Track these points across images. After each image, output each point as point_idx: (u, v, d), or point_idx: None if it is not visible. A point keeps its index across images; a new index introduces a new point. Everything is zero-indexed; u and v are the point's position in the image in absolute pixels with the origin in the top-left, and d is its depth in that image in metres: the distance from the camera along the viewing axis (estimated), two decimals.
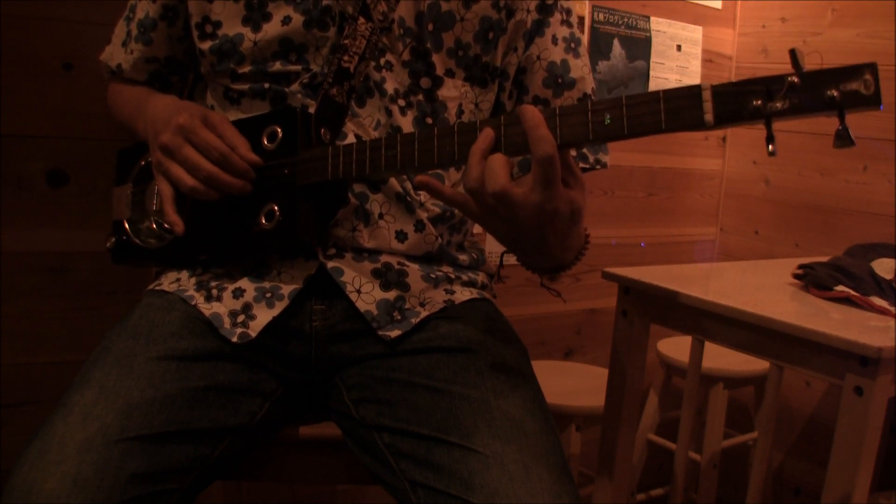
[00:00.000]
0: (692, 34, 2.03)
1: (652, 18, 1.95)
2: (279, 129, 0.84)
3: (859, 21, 1.83)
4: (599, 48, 1.86)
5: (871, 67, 0.60)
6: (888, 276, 1.14)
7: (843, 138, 0.62)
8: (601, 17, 1.86)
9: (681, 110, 0.64)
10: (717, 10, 2.09)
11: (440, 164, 0.75)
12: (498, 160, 0.67)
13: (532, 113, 0.66)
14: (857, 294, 1.10)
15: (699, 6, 2.05)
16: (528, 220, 0.68)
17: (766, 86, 0.62)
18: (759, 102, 0.62)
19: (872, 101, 0.60)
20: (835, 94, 0.60)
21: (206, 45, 0.91)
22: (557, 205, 0.67)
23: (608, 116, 0.66)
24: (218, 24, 0.90)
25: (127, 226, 0.97)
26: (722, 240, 2.22)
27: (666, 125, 0.65)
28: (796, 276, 1.23)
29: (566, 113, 0.68)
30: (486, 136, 0.69)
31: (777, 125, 0.64)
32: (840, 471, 0.94)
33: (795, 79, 0.61)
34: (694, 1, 2.03)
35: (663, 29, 1.97)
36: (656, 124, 0.65)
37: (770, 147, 0.64)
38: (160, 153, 0.85)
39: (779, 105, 0.62)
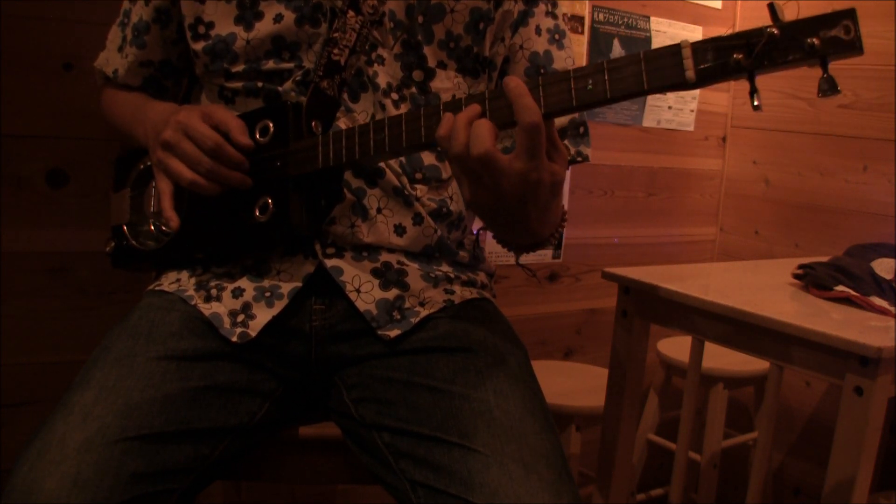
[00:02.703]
0: (692, 34, 2.03)
1: (652, 18, 1.95)
2: (270, 123, 0.84)
3: (859, 21, 1.83)
4: (599, 48, 1.86)
5: (850, 13, 0.60)
6: (888, 276, 1.14)
7: (828, 86, 0.61)
8: (601, 17, 1.86)
9: (662, 69, 0.64)
10: (717, 10, 2.09)
11: (427, 144, 0.75)
12: (483, 125, 0.67)
13: (516, 83, 0.67)
14: (857, 294, 1.11)
15: (699, 6, 2.05)
16: (510, 189, 0.68)
17: (746, 39, 0.62)
18: (741, 56, 0.62)
19: (853, 46, 0.59)
20: (815, 42, 0.60)
21: (199, 46, 0.91)
22: (541, 174, 0.68)
23: (590, 82, 0.66)
24: (210, 25, 0.90)
25: (126, 230, 0.97)
26: (722, 240, 2.22)
27: (648, 85, 0.65)
28: (796, 276, 1.23)
29: (549, 82, 0.68)
30: (472, 108, 0.69)
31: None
32: (840, 471, 0.94)
33: (775, 30, 0.61)
34: (694, 1, 2.03)
35: (663, 29, 1.97)
36: (638, 85, 0.65)
37: (755, 102, 0.64)
38: (161, 150, 0.85)
39: (760, 57, 0.61)
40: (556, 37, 0.98)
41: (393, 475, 0.79)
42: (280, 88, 0.89)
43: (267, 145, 0.84)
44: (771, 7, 0.61)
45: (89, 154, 1.26)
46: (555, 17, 0.98)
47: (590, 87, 0.66)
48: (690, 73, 0.63)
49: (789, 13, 0.62)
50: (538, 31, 0.96)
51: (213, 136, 0.82)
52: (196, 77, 0.97)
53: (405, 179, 0.90)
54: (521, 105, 0.66)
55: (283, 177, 0.83)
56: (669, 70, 0.64)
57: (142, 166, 0.98)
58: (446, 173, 0.94)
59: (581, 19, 1.83)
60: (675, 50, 0.63)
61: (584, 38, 1.84)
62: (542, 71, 0.96)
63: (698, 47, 0.63)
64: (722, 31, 2.09)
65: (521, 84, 0.67)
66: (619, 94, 0.66)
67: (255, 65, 0.89)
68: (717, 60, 0.62)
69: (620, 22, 1.89)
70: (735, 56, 0.62)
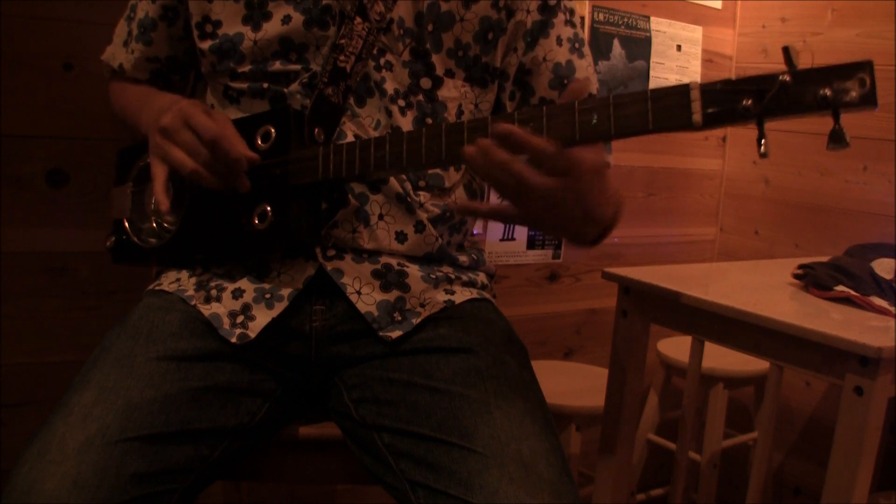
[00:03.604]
0: (692, 34, 2.03)
1: (652, 18, 1.95)
2: (272, 129, 0.84)
3: (859, 21, 1.83)
4: (599, 48, 1.86)
5: (867, 65, 0.58)
6: (888, 276, 1.14)
7: (837, 139, 0.59)
8: (601, 17, 1.86)
9: (668, 110, 0.63)
10: (717, 10, 2.09)
11: (427, 164, 0.75)
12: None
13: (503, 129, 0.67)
14: (857, 294, 1.10)
15: (699, 6, 2.05)
16: (596, 184, 0.69)
17: (757, 85, 0.60)
18: (750, 102, 0.60)
19: (867, 100, 0.58)
20: (828, 93, 0.58)
21: (206, 45, 0.91)
22: (600, 154, 0.68)
23: (595, 116, 0.65)
24: (218, 24, 0.90)
25: (127, 225, 0.97)
26: (722, 240, 2.22)
27: (654, 125, 0.63)
28: (796, 276, 1.23)
29: (554, 114, 0.67)
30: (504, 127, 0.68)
31: (776, 124, 0.62)
32: (840, 471, 0.94)
33: (787, 77, 0.59)
34: (694, 1, 2.03)
35: (663, 29, 1.97)
36: (643, 125, 0.64)
37: (762, 148, 0.62)
38: (158, 135, 0.84)
39: (770, 105, 0.60)
40: (577, 45, 0.98)
41: (393, 476, 0.79)
42: (286, 90, 0.88)
43: (268, 151, 0.83)
44: (785, 51, 0.59)
45: (89, 154, 1.26)
46: (573, 25, 0.98)
47: (594, 121, 0.65)
48: (697, 117, 0.62)
49: (803, 56, 0.60)
50: (559, 41, 0.96)
51: (213, 128, 0.81)
52: (201, 74, 0.97)
53: (409, 186, 0.90)
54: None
55: (283, 185, 0.82)
56: (676, 112, 0.62)
57: (142, 163, 0.98)
58: (449, 182, 0.94)
59: (581, 19, 1.83)
60: (683, 91, 0.62)
61: (584, 39, 1.84)
62: (565, 81, 0.96)
63: (707, 90, 0.61)
64: (722, 30, 2.10)
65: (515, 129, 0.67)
66: (623, 131, 0.65)
67: (262, 65, 0.89)
68: (726, 105, 0.61)
69: (620, 22, 1.89)
70: (745, 102, 0.60)
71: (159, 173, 0.84)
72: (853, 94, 0.57)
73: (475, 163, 0.68)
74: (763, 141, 0.62)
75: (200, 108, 0.83)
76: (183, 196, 0.89)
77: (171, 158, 0.83)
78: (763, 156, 0.62)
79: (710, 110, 0.61)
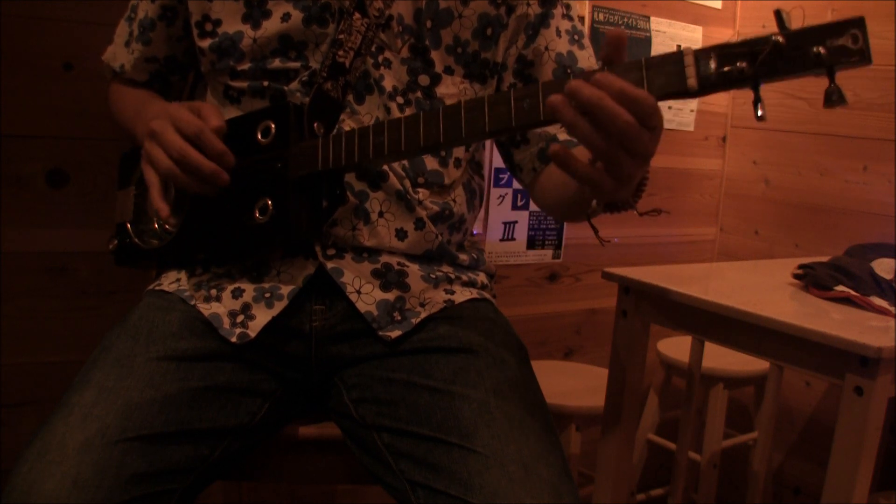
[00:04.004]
0: (692, 34, 2.03)
1: (652, 18, 1.95)
2: (272, 124, 0.84)
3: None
4: (599, 48, 1.86)
5: (859, 21, 0.57)
6: (888, 276, 1.14)
7: (834, 97, 0.59)
8: (601, 17, 1.86)
9: (664, 76, 0.63)
10: (717, 10, 2.09)
11: (426, 149, 0.75)
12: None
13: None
14: (857, 294, 1.10)
15: (699, 6, 2.05)
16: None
17: (751, 47, 0.60)
18: (745, 65, 0.60)
19: (861, 55, 0.57)
20: (822, 51, 0.58)
21: (205, 44, 0.91)
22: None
23: None
24: (218, 22, 0.90)
25: (130, 228, 0.97)
26: (722, 240, 2.22)
27: (649, 92, 0.63)
28: (796, 276, 1.23)
29: (550, 88, 0.66)
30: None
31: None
32: (840, 471, 0.94)
33: (780, 38, 0.59)
34: (694, 1, 2.03)
35: (663, 29, 1.97)
36: None
37: (759, 112, 0.62)
38: (147, 140, 0.84)
39: (764, 66, 0.59)
40: (576, 37, 0.98)
41: (393, 476, 0.79)
42: (286, 88, 0.88)
43: (268, 146, 0.84)
44: (777, 14, 0.59)
45: (89, 154, 1.26)
46: (570, 18, 0.99)
47: None
48: (692, 81, 0.61)
49: (795, 21, 0.60)
50: (558, 32, 0.97)
51: (195, 122, 0.80)
52: (202, 73, 0.97)
53: (408, 183, 0.90)
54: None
55: (284, 178, 0.82)
56: (671, 77, 0.62)
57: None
58: (448, 179, 0.94)
59: (581, 19, 1.83)
60: (677, 57, 0.62)
61: (584, 31, 1.84)
62: (568, 71, 0.96)
63: (701, 55, 0.61)
64: (722, 30, 2.10)
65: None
66: None
67: (262, 63, 0.89)
68: (720, 69, 0.61)
69: (620, 22, 1.89)
70: (739, 64, 0.60)
71: (152, 179, 0.85)
72: (847, 50, 0.57)
73: (563, 111, 0.63)
74: (760, 104, 0.62)
75: (186, 107, 0.83)
76: (184, 197, 0.89)
77: (151, 158, 0.83)
78: (760, 119, 0.62)
79: (704, 74, 0.61)
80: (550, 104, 0.64)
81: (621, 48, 0.65)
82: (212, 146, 0.81)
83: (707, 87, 0.62)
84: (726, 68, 0.61)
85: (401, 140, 0.75)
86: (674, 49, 0.64)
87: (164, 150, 0.81)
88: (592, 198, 0.75)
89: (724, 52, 0.61)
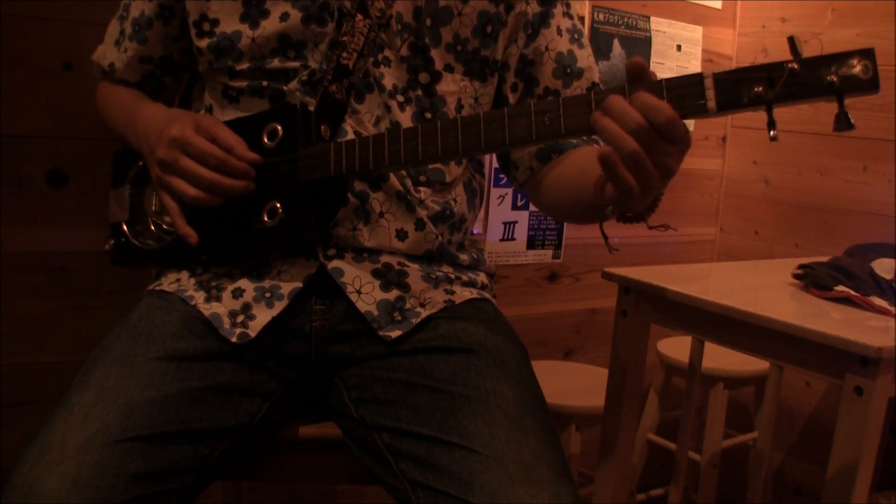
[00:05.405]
0: (692, 34, 2.03)
1: (652, 18, 1.95)
2: (279, 127, 0.84)
3: (859, 21, 1.83)
4: (599, 48, 1.86)
5: (869, 53, 0.61)
6: (888, 276, 1.14)
7: (842, 122, 0.63)
8: (601, 17, 1.86)
9: (683, 98, 0.65)
10: (717, 10, 2.09)
11: (444, 158, 0.75)
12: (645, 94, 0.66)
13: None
14: (857, 294, 1.10)
15: (699, 6, 2.05)
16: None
17: (767, 73, 0.63)
18: (761, 89, 0.63)
19: (870, 85, 0.61)
20: (834, 79, 0.61)
21: (203, 43, 0.91)
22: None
23: None
24: (216, 22, 0.90)
25: (125, 228, 0.97)
26: (722, 240, 2.22)
27: None
28: (796, 276, 1.23)
29: (569, 105, 0.69)
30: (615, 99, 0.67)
31: (777, 125, 0.65)
32: (840, 471, 0.94)
33: (795, 65, 0.62)
34: (694, 1, 2.03)
35: (663, 29, 1.97)
36: None
37: (772, 133, 0.65)
38: (158, 169, 0.85)
39: (779, 91, 0.63)
40: (576, 36, 0.99)
41: (393, 476, 0.79)
42: (285, 88, 0.88)
43: (275, 149, 0.84)
44: (791, 41, 0.63)
45: (89, 154, 1.26)
46: (571, 17, 0.99)
47: None
48: (712, 104, 0.65)
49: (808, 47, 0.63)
50: (559, 31, 0.97)
51: (216, 153, 0.82)
52: (198, 74, 0.97)
53: (409, 182, 0.90)
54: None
55: (293, 182, 0.82)
56: (691, 99, 0.65)
57: (140, 163, 0.97)
58: (450, 176, 0.94)
59: (581, 19, 1.83)
60: (697, 80, 0.65)
61: (583, 31, 1.84)
62: (568, 70, 0.97)
63: (720, 78, 0.64)
64: (722, 30, 2.10)
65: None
66: None
67: (260, 63, 0.89)
68: (738, 92, 0.64)
69: (620, 22, 1.89)
70: (756, 89, 0.63)
71: (173, 206, 0.86)
72: (857, 79, 0.61)
73: (607, 128, 0.66)
74: (773, 127, 0.65)
75: (191, 129, 0.83)
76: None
77: (172, 189, 0.84)
78: (773, 139, 0.65)
79: (722, 98, 0.64)
80: (601, 128, 0.67)
81: (644, 76, 0.68)
82: (239, 170, 0.82)
83: (725, 109, 0.65)
84: (744, 92, 0.64)
85: (418, 149, 0.76)
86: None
87: (189, 181, 0.83)
88: (608, 204, 0.77)
89: (741, 76, 0.64)
